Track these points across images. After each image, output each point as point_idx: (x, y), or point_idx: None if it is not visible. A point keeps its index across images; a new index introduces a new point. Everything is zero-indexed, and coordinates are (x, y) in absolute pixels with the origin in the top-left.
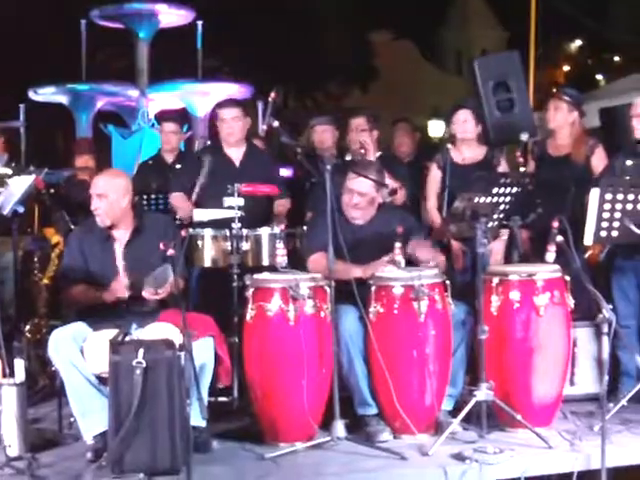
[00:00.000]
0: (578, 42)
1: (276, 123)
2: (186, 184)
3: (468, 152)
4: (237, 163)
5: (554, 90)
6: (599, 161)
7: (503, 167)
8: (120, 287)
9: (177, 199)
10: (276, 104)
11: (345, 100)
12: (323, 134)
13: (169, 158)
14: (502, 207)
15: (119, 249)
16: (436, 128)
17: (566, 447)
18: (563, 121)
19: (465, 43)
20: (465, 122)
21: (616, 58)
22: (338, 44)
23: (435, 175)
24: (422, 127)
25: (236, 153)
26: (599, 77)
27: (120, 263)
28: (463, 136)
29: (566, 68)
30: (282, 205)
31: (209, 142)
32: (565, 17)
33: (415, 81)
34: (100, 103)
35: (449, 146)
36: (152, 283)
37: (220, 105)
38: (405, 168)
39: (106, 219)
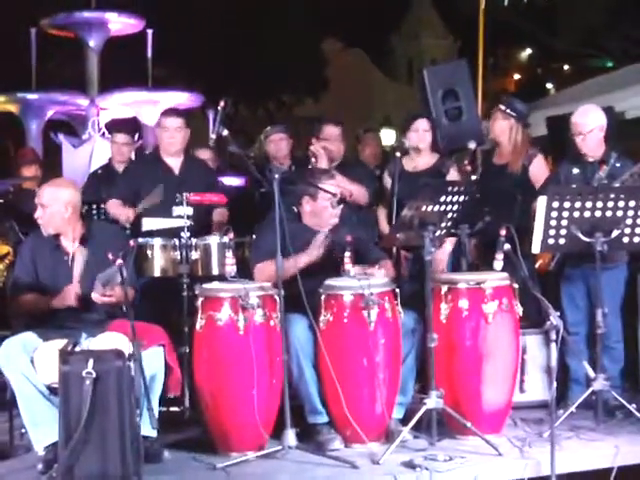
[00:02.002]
0: (528, 51)
1: (225, 132)
2: (125, 192)
3: (421, 160)
4: (176, 172)
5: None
6: (538, 170)
7: (453, 175)
8: (71, 293)
9: (112, 205)
10: (226, 113)
11: (297, 109)
12: (279, 143)
13: (120, 168)
14: (450, 215)
15: (69, 258)
16: (387, 137)
17: (516, 454)
18: (504, 129)
19: (416, 52)
20: (425, 131)
21: (565, 67)
22: (290, 53)
23: (386, 183)
24: None
25: (175, 162)
26: (549, 86)
27: (70, 272)
28: (421, 145)
29: (517, 77)
30: (221, 214)
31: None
32: (514, 27)
33: (366, 90)
34: (50, 112)
35: (398, 154)
36: (101, 282)
37: (164, 114)
38: (368, 170)
39: (48, 228)
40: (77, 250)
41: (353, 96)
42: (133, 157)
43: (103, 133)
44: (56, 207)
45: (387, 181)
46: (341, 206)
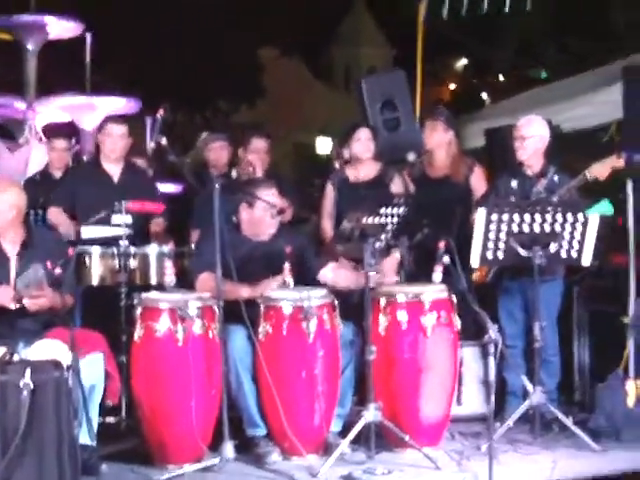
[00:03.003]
0: (463, 61)
1: (164, 140)
2: (64, 199)
3: (363, 170)
4: (115, 179)
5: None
6: (478, 180)
7: (397, 185)
8: (5, 294)
9: (54, 214)
10: (165, 121)
11: (234, 117)
12: (220, 151)
13: (57, 174)
14: (390, 227)
15: (9, 262)
16: (324, 145)
17: (454, 467)
18: (439, 141)
19: (353, 60)
20: (368, 140)
21: (500, 78)
22: (227, 59)
23: (329, 194)
24: (310, 144)
25: (114, 169)
26: (484, 96)
27: (9, 275)
28: (364, 155)
29: (452, 86)
30: (158, 225)
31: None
32: (451, 37)
33: (303, 97)
34: None
35: (337, 165)
36: (24, 286)
37: (108, 120)
38: (292, 186)
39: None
40: (17, 255)
41: (290, 104)
42: (70, 162)
43: (40, 137)
44: (0, 208)
45: (329, 191)
46: (279, 217)
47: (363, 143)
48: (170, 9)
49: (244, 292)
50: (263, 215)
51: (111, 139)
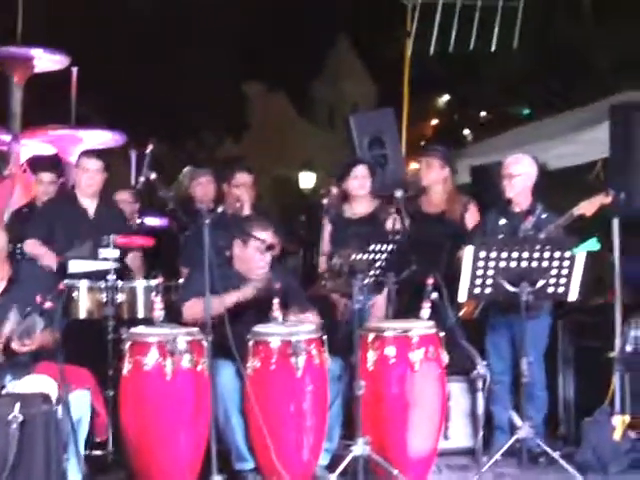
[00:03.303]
0: (446, 97)
1: (153, 175)
2: (41, 231)
3: (359, 207)
4: (90, 214)
5: (424, 147)
6: (472, 217)
7: (392, 223)
8: None
9: (30, 245)
10: (153, 156)
11: (218, 150)
12: (207, 186)
13: None
14: (378, 264)
15: None
16: (307, 180)
17: None
18: (436, 178)
19: (337, 97)
20: (364, 177)
21: (482, 114)
22: (212, 93)
23: (326, 230)
24: (293, 179)
25: (90, 204)
26: (466, 132)
27: None
28: (361, 192)
29: (434, 122)
30: (136, 258)
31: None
32: (434, 73)
33: (287, 133)
34: None
35: (325, 201)
36: (19, 334)
37: (84, 155)
38: (277, 222)
39: None
40: (3, 291)
41: (273, 138)
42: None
43: (25, 169)
44: None
45: (327, 228)
46: (269, 254)
47: (359, 180)
48: (156, 43)
49: (231, 297)
50: (254, 254)
51: (87, 174)
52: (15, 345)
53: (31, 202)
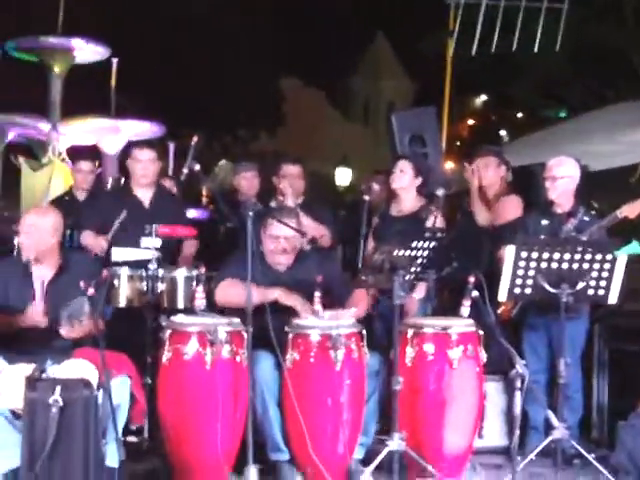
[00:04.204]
0: (483, 97)
1: (197, 167)
2: (97, 222)
3: (405, 204)
4: (147, 204)
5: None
6: (510, 207)
7: (433, 220)
8: (36, 312)
9: (87, 237)
10: (198, 148)
11: (253, 144)
12: (252, 180)
13: (81, 195)
14: (420, 260)
15: (40, 286)
16: (343, 176)
17: None
18: (495, 176)
19: (373, 93)
20: (402, 172)
21: (519, 115)
22: (249, 88)
23: (375, 225)
24: (327, 174)
25: (146, 194)
26: (502, 133)
27: (40, 300)
28: (397, 186)
29: (470, 122)
30: (190, 246)
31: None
32: (473, 73)
33: (323, 128)
34: (11, 134)
35: (366, 198)
36: (67, 317)
37: (137, 145)
38: (329, 212)
39: (31, 253)
40: (52, 279)
41: (309, 134)
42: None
43: (63, 158)
44: (44, 232)
45: (375, 223)
46: (308, 246)
47: (398, 175)
48: (196, 37)
49: (272, 293)
50: (268, 242)
51: (141, 164)
52: (64, 330)
53: (69, 191)
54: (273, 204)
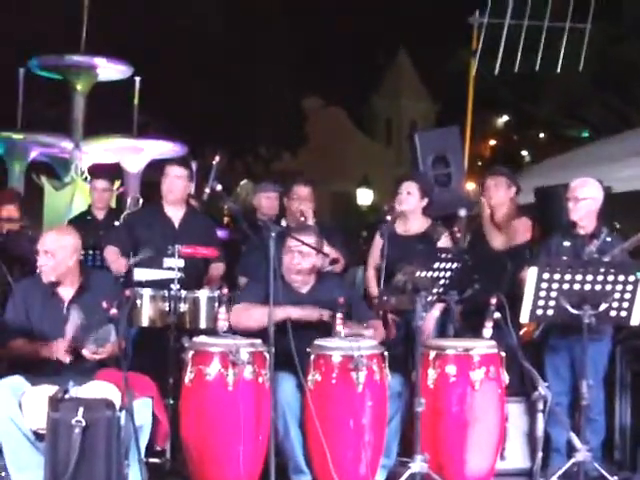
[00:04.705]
0: (504, 117)
1: (219, 187)
2: (124, 240)
3: (412, 224)
4: (176, 223)
5: (486, 167)
6: (523, 229)
7: (444, 242)
8: (60, 349)
9: (111, 253)
10: (220, 167)
11: (274, 164)
12: (274, 201)
13: (99, 215)
14: (442, 282)
15: (64, 307)
16: (364, 196)
17: None
18: (504, 197)
19: (395, 113)
20: (409, 194)
21: (541, 135)
22: (270, 108)
23: (377, 245)
24: (349, 194)
25: (175, 213)
26: (524, 153)
27: (64, 321)
28: (404, 208)
29: (492, 142)
30: (217, 268)
31: (141, 200)
32: (495, 93)
33: (344, 148)
34: (34, 153)
35: (388, 218)
36: (93, 343)
37: (168, 161)
38: (342, 237)
39: (51, 276)
40: (73, 298)
41: (331, 154)
42: (113, 204)
43: (85, 178)
44: (62, 253)
45: (377, 242)
46: (329, 267)
47: (405, 196)
48: (217, 57)
49: (291, 311)
50: (287, 259)
51: (168, 179)
52: (87, 352)
53: (88, 210)
54: (283, 224)
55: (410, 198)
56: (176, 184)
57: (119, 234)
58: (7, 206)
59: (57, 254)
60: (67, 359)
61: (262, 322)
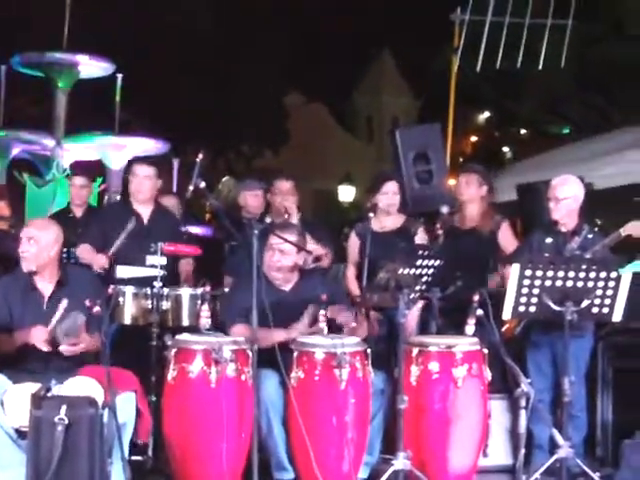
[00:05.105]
0: (486, 114)
1: (203, 184)
2: (96, 237)
3: (387, 221)
4: (145, 221)
5: (462, 164)
6: (505, 236)
7: (421, 238)
8: (39, 336)
9: (84, 251)
10: (203, 165)
11: (256, 161)
12: (257, 199)
13: (78, 212)
14: (424, 279)
15: (44, 301)
16: (346, 193)
17: None
18: (474, 195)
19: (376, 109)
20: (395, 194)
21: (522, 131)
22: (252, 105)
23: (354, 243)
24: (332, 191)
25: (144, 211)
26: (505, 149)
27: (45, 315)
28: (390, 207)
29: (473, 139)
30: (188, 264)
31: (118, 197)
32: (476, 89)
33: (326, 145)
34: (16, 150)
35: (371, 215)
36: (63, 334)
37: (135, 161)
38: (328, 233)
39: (32, 264)
40: (52, 293)
41: (313, 150)
42: (94, 202)
43: (67, 175)
44: (44, 242)
45: (354, 241)
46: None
47: (390, 196)
48: (200, 55)
49: (279, 336)
50: (266, 256)
51: (137, 180)
52: (63, 347)
53: (66, 207)
54: (268, 220)
55: (396, 197)
56: (145, 184)
57: (90, 231)
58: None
59: (40, 241)
60: (45, 348)
61: (266, 343)
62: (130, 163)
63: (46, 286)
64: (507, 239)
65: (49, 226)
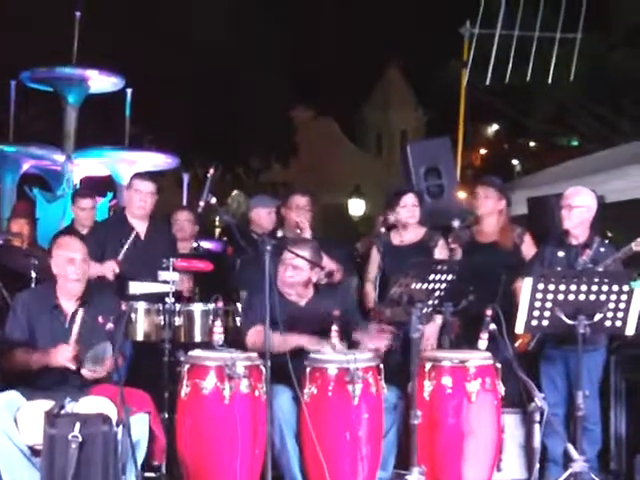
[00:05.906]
0: (495, 126)
1: (214, 200)
2: (94, 251)
3: (407, 234)
4: (142, 236)
5: (478, 177)
6: (528, 249)
7: (441, 250)
8: (66, 354)
9: (94, 267)
10: (214, 180)
11: (264, 175)
12: (269, 216)
13: (83, 230)
14: (437, 293)
15: (67, 319)
16: (356, 207)
17: None
18: (492, 209)
19: (385, 124)
20: (414, 206)
21: (531, 144)
22: (261, 119)
23: (374, 258)
24: (340, 205)
25: (140, 226)
26: (515, 162)
27: (68, 333)
28: (411, 220)
29: (483, 151)
30: (185, 280)
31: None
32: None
33: (335, 159)
34: (26, 165)
35: (383, 230)
36: (90, 361)
37: (137, 177)
38: (341, 247)
39: (82, 285)
40: (77, 311)
41: (322, 164)
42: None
43: (77, 190)
44: (84, 263)
45: (375, 257)
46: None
47: (409, 209)
48: (209, 69)
49: (298, 340)
50: (283, 273)
51: (139, 196)
52: (86, 372)
53: (70, 225)
54: (280, 234)
55: (416, 210)
56: (147, 200)
57: (88, 245)
58: (17, 220)
59: (86, 260)
60: (72, 366)
61: (279, 349)
62: (131, 179)
63: (69, 305)
64: (533, 251)
65: (82, 244)
